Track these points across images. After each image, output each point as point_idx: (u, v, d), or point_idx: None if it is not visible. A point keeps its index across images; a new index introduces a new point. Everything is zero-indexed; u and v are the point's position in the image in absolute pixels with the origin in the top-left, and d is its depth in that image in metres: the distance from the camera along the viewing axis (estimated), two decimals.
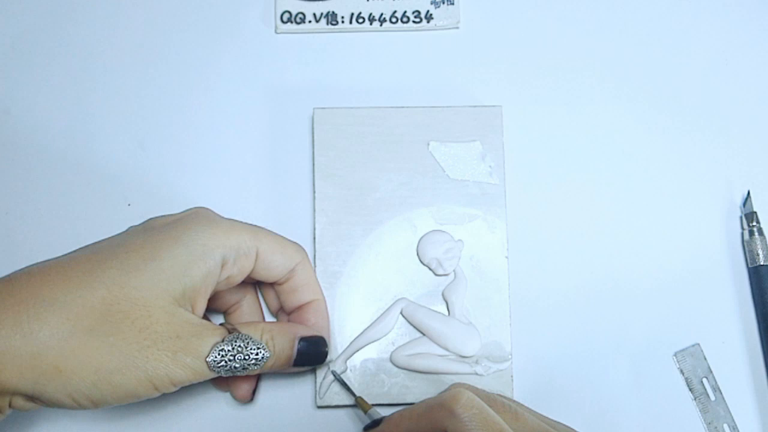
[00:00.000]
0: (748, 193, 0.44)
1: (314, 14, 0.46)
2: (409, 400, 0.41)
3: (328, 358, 0.40)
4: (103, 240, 0.36)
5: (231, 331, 0.35)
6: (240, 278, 0.37)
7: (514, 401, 0.35)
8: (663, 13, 0.47)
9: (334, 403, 0.41)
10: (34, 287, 0.32)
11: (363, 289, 0.42)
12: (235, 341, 0.35)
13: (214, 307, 0.40)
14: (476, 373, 0.41)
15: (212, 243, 0.35)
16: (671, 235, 0.44)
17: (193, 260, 0.34)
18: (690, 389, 0.43)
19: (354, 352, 0.41)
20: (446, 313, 0.42)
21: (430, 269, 0.42)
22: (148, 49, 0.46)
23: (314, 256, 0.42)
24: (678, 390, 0.43)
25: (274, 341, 0.36)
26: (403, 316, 0.41)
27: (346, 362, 0.41)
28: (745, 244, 0.44)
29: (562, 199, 0.44)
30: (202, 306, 0.35)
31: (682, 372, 0.43)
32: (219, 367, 0.34)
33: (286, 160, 0.44)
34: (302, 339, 0.38)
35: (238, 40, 0.46)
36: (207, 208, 0.38)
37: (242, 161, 0.44)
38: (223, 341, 0.34)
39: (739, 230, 0.45)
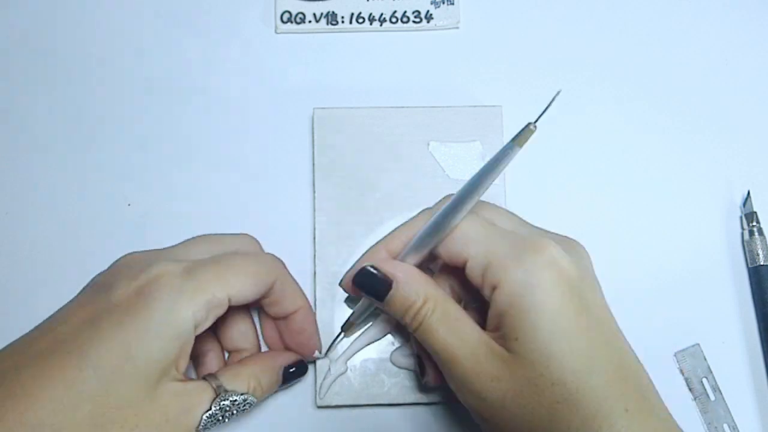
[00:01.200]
0: (748, 193, 0.44)
1: (314, 14, 0.46)
2: (409, 400, 0.41)
3: (327, 356, 0.40)
4: (64, 323, 0.34)
5: (216, 389, 0.35)
6: (213, 320, 0.36)
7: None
8: (663, 13, 0.47)
9: (334, 403, 0.41)
10: (18, 411, 0.31)
11: None
12: (223, 401, 0.35)
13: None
14: None
15: (181, 318, 0.33)
16: (671, 235, 0.44)
17: (167, 342, 0.33)
18: (690, 389, 0.43)
19: (354, 353, 0.41)
20: None
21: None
22: (149, 49, 0.46)
23: (314, 256, 0.42)
24: (678, 390, 0.43)
25: (260, 384, 0.37)
26: None
27: (346, 362, 0.41)
28: (745, 244, 0.44)
29: (562, 199, 0.44)
30: (184, 363, 0.35)
31: (682, 372, 0.43)
32: (211, 427, 0.35)
33: (286, 160, 0.44)
34: (286, 367, 0.39)
35: (238, 40, 0.46)
36: (167, 264, 0.35)
37: (242, 161, 0.44)
38: (210, 408, 0.35)
39: (739, 230, 0.45)
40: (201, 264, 0.35)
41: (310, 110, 0.44)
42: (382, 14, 0.46)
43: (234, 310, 0.39)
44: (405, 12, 0.46)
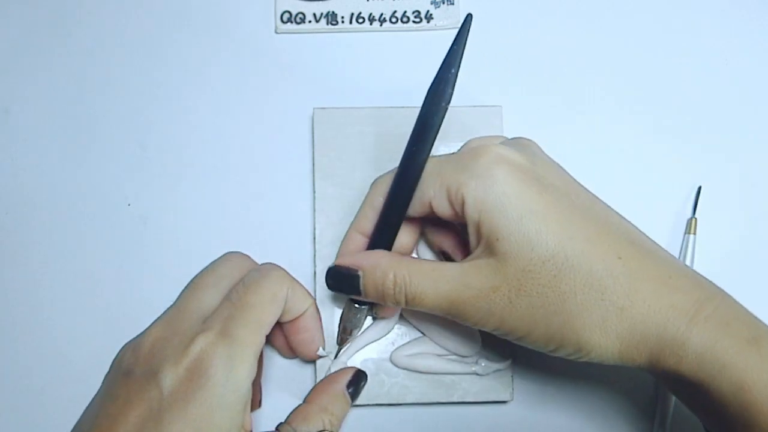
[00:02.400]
0: None
1: (314, 14, 0.46)
2: (409, 400, 0.41)
3: (328, 356, 0.40)
4: (123, 424, 0.32)
5: None
6: None
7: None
8: (663, 13, 0.47)
9: None
10: None
11: None
12: None
13: None
14: (476, 373, 0.41)
15: (239, 383, 0.33)
16: (669, 234, 0.44)
17: (233, 409, 0.33)
18: None
19: (354, 352, 0.41)
20: None
21: None
22: (149, 49, 0.46)
23: (314, 256, 0.42)
24: None
25: (334, 414, 0.37)
26: (403, 316, 0.41)
27: (346, 362, 0.41)
28: None
29: None
30: (249, 418, 0.35)
31: None
32: None
33: (286, 160, 0.44)
34: (348, 386, 0.39)
35: (238, 40, 0.46)
36: (204, 336, 0.33)
37: (242, 161, 0.44)
38: None
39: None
40: (229, 318, 0.34)
41: (310, 110, 0.44)
42: (382, 14, 0.46)
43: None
44: (405, 12, 0.46)
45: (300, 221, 0.43)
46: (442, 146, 0.43)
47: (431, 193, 0.35)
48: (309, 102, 0.44)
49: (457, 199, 0.34)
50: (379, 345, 0.41)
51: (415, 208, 0.36)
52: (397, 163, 0.43)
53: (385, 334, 0.41)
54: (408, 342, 0.41)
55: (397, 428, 0.42)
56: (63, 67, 0.45)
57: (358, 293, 0.36)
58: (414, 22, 0.46)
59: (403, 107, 0.43)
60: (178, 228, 0.44)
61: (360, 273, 0.36)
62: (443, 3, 0.46)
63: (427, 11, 0.46)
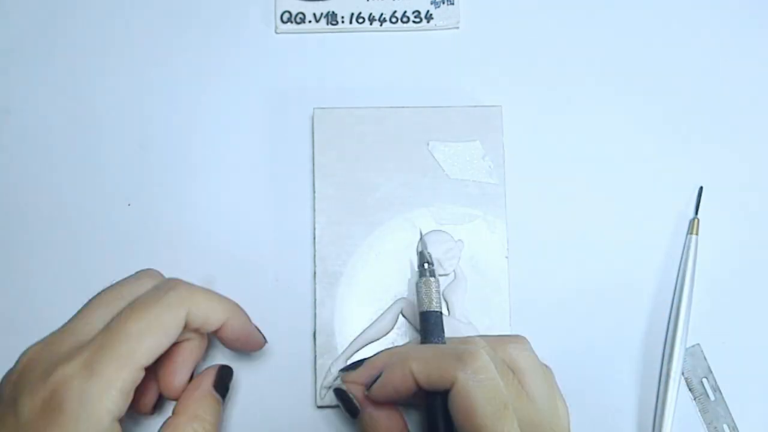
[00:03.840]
0: None
1: (314, 14, 0.46)
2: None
3: (332, 360, 0.40)
4: None
5: None
6: (132, 393, 0.33)
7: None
8: (663, 12, 0.47)
9: (334, 403, 0.40)
10: None
11: (363, 289, 0.42)
12: None
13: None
14: None
15: (96, 420, 0.31)
16: (671, 234, 0.44)
17: None
18: (690, 389, 0.43)
19: (354, 352, 0.41)
20: (446, 313, 0.42)
21: None
22: (149, 49, 0.46)
23: (314, 256, 0.42)
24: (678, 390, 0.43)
25: (206, 419, 0.35)
26: (403, 316, 0.41)
27: (346, 362, 0.41)
28: None
29: (562, 199, 0.44)
30: None
31: (682, 372, 0.43)
32: None
33: (286, 160, 0.44)
34: (215, 385, 0.36)
35: (238, 40, 0.46)
36: (64, 368, 0.32)
37: (242, 161, 0.44)
38: None
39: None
40: (98, 349, 0.32)
41: (310, 110, 0.44)
42: (382, 14, 0.46)
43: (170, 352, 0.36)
44: (405, 12, 0.46)
45: (300, 221, 0.43)
46: (443, 146, 0.43)
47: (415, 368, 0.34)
48: (309, 102, 0.44)
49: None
50: (379, 345, 0.41)
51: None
52: (396, 163, 0.43)
53: (385, 334, 0.41)
54: (408, 342, 0.41)
55: None
56: (63, 67, 0.45)
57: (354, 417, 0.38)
58: (414, 22, 0.46)
59: (403, 107, 0.43)
60: (178, 228, 0.44)
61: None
62: (443, 3, 0.46)
63: (427, 11, 0.46)
